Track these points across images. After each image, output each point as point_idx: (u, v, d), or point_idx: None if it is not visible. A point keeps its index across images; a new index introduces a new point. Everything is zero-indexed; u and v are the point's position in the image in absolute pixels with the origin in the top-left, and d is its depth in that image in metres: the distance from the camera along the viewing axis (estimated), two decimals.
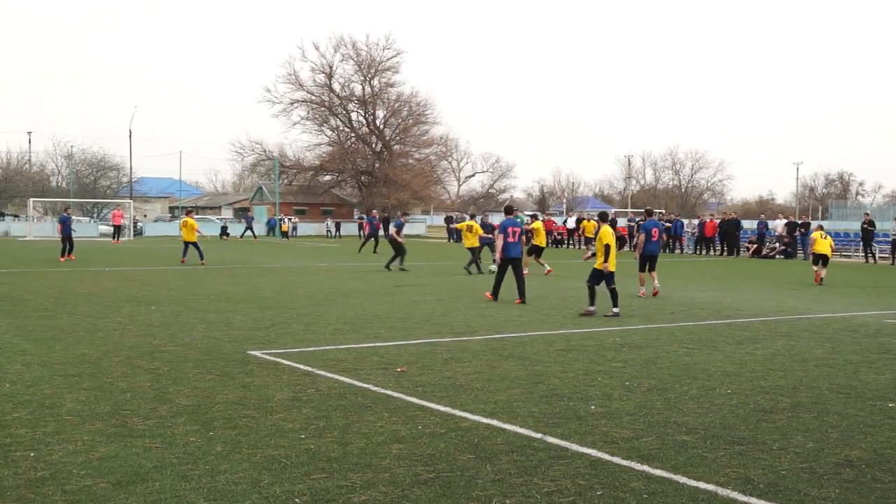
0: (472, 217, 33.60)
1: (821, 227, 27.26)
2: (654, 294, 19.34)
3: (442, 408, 7.94)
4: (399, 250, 28.06)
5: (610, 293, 15.61)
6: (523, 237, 18.95)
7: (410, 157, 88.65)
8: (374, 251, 39.70)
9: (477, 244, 26.46)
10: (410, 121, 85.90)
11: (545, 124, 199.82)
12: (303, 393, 8.49)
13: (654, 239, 19.98)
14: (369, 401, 8.19)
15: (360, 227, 42.00)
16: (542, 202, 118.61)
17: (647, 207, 27.48)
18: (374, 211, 51.77)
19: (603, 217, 16.99)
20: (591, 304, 15.59)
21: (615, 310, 15.41)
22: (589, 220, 43.51)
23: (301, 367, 9.92)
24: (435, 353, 11.01)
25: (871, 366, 10.48)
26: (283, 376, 9.35)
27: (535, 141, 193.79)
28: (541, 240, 26.70)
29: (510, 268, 17.71)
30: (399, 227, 29.06)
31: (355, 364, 10.16)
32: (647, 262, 19.80)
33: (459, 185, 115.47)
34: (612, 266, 15.56)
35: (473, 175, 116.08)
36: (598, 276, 15.63)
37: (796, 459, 6.44)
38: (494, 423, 7.42)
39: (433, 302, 17.48)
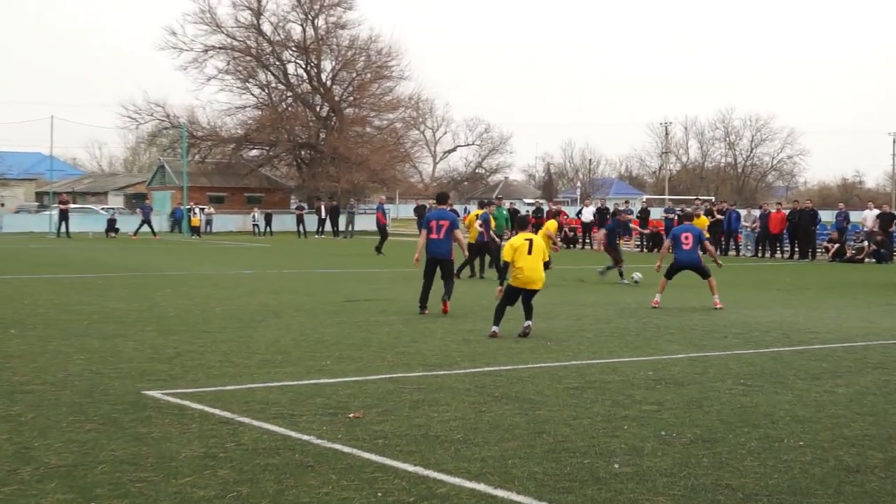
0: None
1: None
2: (716, 307, 20.28)
3: (410, 467, 7.93)
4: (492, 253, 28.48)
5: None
6: (457, 232, 19.27)
7: (368, 124, 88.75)
8: (380, 251, 40.15)
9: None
10: (368, 75, 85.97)
11: (552, 82, 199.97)
12: (219, 448, 8.45)
13: (685, 247, 20.44)
14: (310, 458, 8.17)
15: (377, 219, 43.53)
16: (549, 186, 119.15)
17: (686, 209, 28.02)
18: (383, 197, 52.24)
19: (521, 224, 17.42)
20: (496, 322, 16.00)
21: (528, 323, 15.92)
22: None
23: (217, 412, 9.88)
24: (401, 393, 11.00)
25: None
26: (191, 425, 9.31)
27: (538, 104, 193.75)
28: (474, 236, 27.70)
29: (439, 271, 19.08)
30: (486, 222, 29.15)
31: (292, 408, 10.13)
32: (681, 270, 20.44)
33: (436, 164, 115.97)
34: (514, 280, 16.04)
35: (455, 149, 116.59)
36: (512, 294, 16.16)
37: None
38: (481, 487, 7.41)
39: (399, 322, 17.50)
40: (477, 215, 28.79)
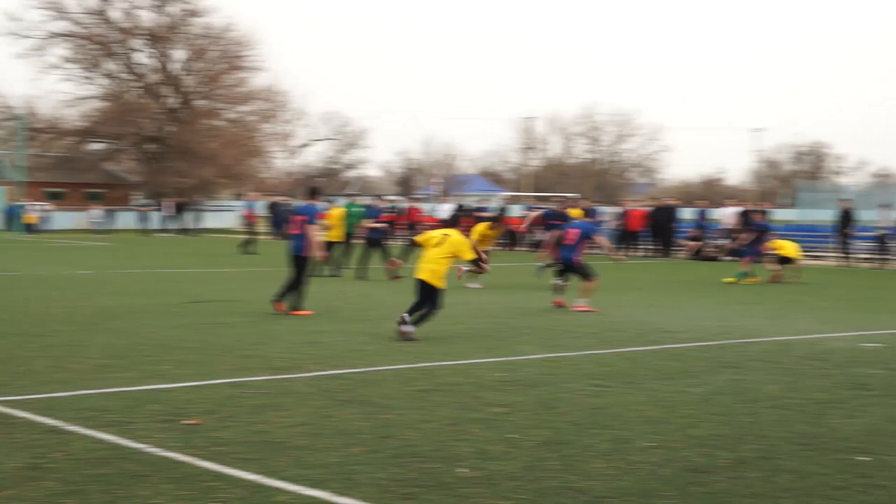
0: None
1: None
2: (575, 309, 20.30)
3: (250, 475, 7.83)
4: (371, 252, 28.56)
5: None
6: (310, 228, 19.19)
7: (220, 116, 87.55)
8: (250, 250, 39.93)
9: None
10: (222, 65, 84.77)
11: (411, 74, 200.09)
12: (45, 458, 8.23)
13: (566, 243, 20.64)
14: (143, 467, 8.01)
15: (246, 217, 43.18)
16: (407, 182, 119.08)
17: (592, 206, 28.08)
18: (255, 193, 51.66)
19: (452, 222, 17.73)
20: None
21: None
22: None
23: (45, 420, 9.62)
24: (242, 398, 10.89)
25: (841, 407, 10.91)
26: (16, 435, 9.06)
27: (397, 97, 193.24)
28: (334, 233, 27.87)
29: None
30: (374, 217, 29.25)
31: (126, 415, 9.93)
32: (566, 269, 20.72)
33: (290, 159, 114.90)
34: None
35: (310, 144, 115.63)
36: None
37: None
38: (323, 495, 7.36)
39: (243, 325, 17.35)
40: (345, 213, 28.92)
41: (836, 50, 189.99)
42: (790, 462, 8.52)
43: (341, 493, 7.39)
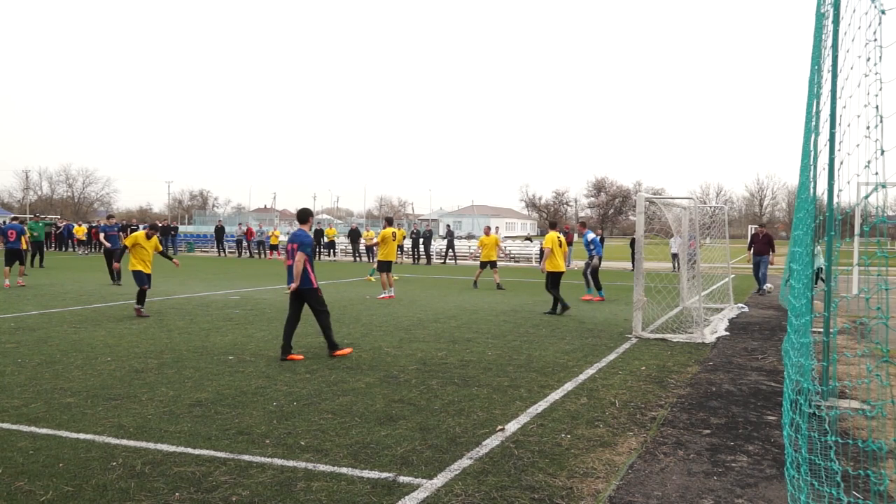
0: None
1: None
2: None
3: None
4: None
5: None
6: None
7: None
8: None
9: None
10: None
11: None
12: None
13: (11, 240, 17.95)
14: None
15: None
16: None
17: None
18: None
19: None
20: None
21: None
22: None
23: None
24: None
25: (219, 330, 10.93)
26: None
27: None
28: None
29: None
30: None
31: None
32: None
33: None
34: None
35: None
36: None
37: (160, 405, 6.44)
38: None
39: None
40: None
41: (303, 130, 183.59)
42: (191, 362, 8.42)
43: None
